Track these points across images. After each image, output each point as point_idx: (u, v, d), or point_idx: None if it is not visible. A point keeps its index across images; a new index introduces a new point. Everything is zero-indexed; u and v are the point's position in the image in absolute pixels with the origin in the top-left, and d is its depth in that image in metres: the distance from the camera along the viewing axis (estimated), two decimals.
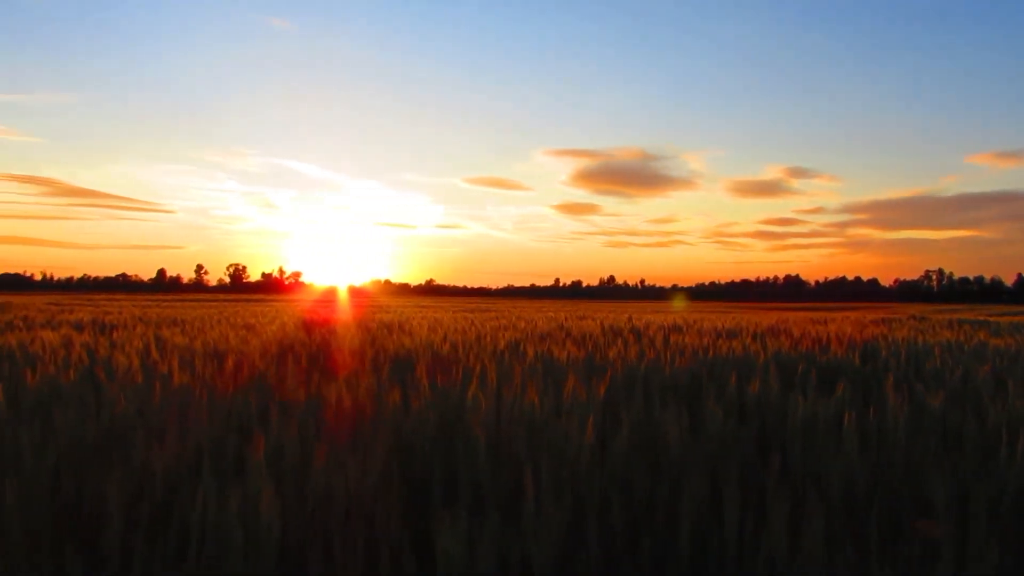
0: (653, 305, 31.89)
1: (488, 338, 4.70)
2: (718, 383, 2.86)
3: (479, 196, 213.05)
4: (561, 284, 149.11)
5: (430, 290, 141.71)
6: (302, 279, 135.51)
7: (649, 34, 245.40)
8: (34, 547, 1.57)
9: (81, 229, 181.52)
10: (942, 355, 3.94)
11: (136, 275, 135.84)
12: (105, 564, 1.54)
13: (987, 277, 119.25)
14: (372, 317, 8.48)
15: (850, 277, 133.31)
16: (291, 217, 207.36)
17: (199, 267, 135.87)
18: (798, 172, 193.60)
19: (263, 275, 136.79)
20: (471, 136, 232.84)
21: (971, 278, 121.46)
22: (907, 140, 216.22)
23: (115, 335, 4.71)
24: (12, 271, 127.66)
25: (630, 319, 8.21)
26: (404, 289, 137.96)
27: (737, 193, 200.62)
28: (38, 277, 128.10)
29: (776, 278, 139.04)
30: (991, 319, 11.32)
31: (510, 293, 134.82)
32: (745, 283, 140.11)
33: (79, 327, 5.92)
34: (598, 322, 7.21)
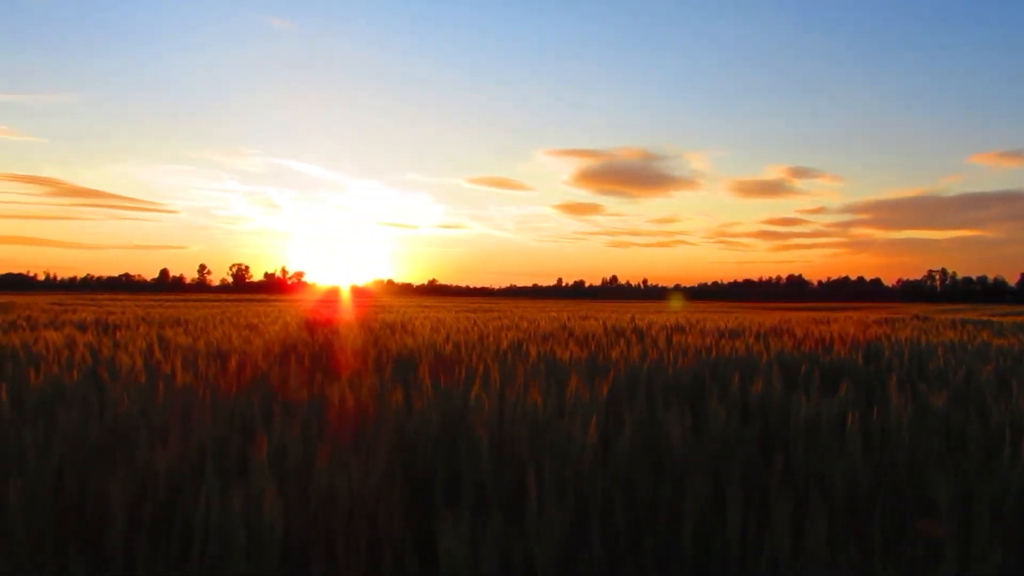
0: (655, 305, 31.87)
1: (491, 338, 4.70)
2: (721, 383, 2.85)
3: (481, 196, 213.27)
4: (563, 284, 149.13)
5: (432, 290, 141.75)
6: (305, 279, 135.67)
7: (651, 34, 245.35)
8: (37, 547, 1.57)
9: (84, 229, 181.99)
10: (945, 355, 3.93)
11: (139, 275, 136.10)
12: (108, 564, 1.54)
13: (990, 277, 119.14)
14: (375, 317, 8.48)
15: (853, 277, 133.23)
16: (293, 217, 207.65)
17: (202, 267, 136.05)
18: (800, 172, 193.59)
19: (266, 275, 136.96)
20: (473, 136, 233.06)
21: (974, 278, 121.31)
22: (910, 140, 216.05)
23: (118, 335, 4.72)
24: (15, 271, 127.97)
25: (633, 319, 8.21)
26: (407, 289, 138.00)
27: (739, 193, 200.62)
28: (41, 277, 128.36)
29: (779, 278, 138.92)
30: (994, 319, 11.30)
31: (512, 293, 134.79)
32: (748, 283, 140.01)
33: (82, 327, 5.92)
34: (601, 322, 7.20)
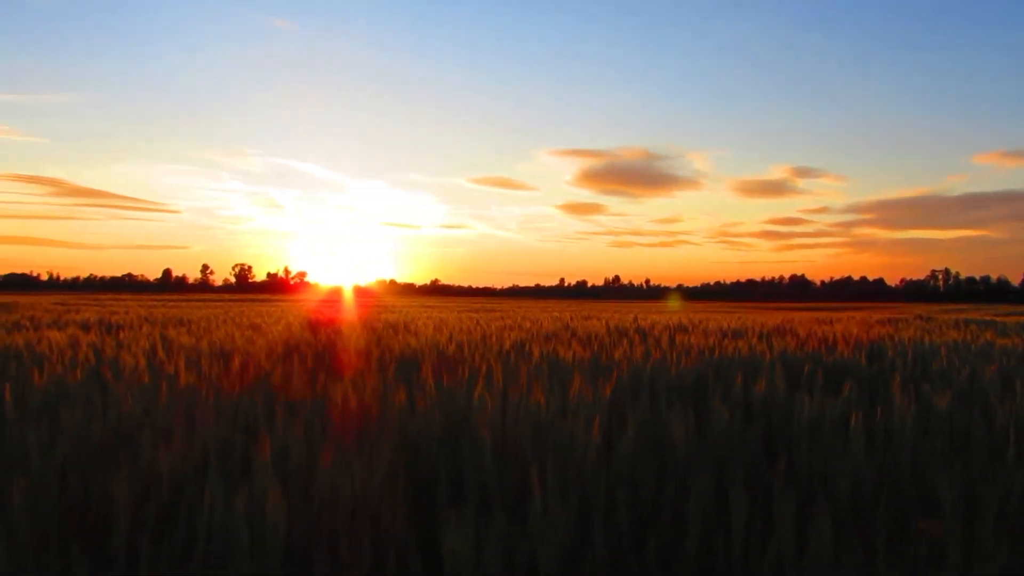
0: (658, 305, 31.85)
1: (493, 338, 4.70)
2: (724, 383, 2.85)
3: (484, 196, 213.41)
4: (566, 284, 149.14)
5: (435, 290, 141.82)
6: (307, 279, 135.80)
7: (653, 34, 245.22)
8: (41, 547, 1.57)
9: (87, 229, 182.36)
10: (949, 355, 3.92)
11: (142, 275, 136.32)
12: (112, 564, 1.54)
13: (993, 277, 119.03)
14: (377, 317, 8.48)
15: (856, 277, 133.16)
16: (295, 217, 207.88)
17: (204, 267, 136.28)
18: (803, 172, 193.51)
19: (268, 275, 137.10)
20: (475, 136, 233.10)
21: (977, 278, 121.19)
22: (913, 139, 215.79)
23: (121, 335, 4.72)
24: (18, 271, 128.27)
25: (635, 319, 8.21)
26: (409, 289, 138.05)
27: (742, 193, 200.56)
28: (44, 277, 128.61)
29: (781, 278, 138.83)
30: (997, 319, 11.28)
31: (515, 293, 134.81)
32: (750, 283, 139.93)
33: (85, 327, 5.93)
34: (603, 322, 7.20)
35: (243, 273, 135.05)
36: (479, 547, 1.45)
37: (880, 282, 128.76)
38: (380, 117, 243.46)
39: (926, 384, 2.72)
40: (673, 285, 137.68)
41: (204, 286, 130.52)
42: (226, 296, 57.34)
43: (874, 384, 3.02)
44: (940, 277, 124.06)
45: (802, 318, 10.22)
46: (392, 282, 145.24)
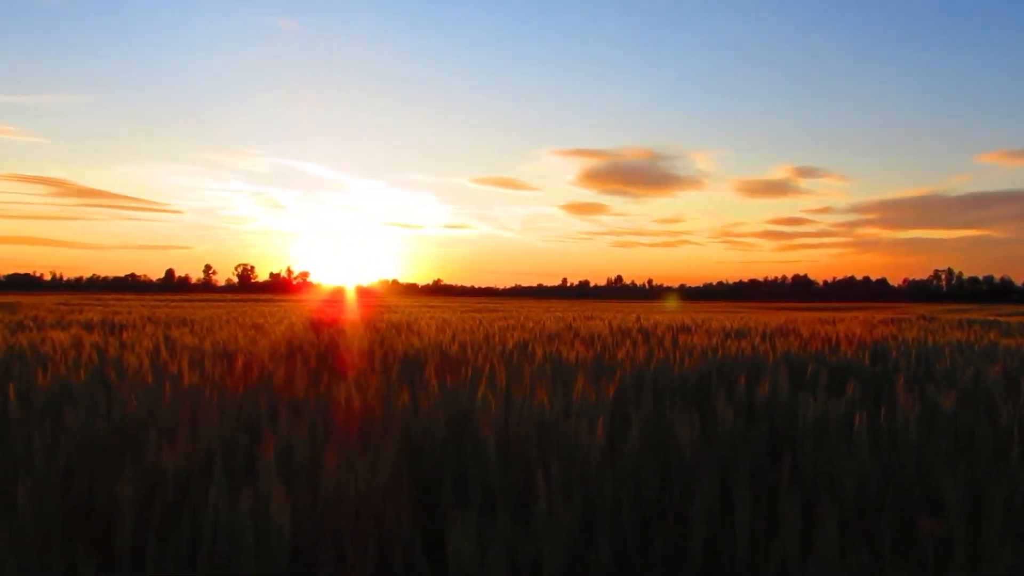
0: (660, 305, 31.84)
1: (496, 338, 4.70)
2: (727, 383, 2.85)
3: (486, 196, 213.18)
4: (568, 284, 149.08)
5: (437, 290, 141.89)
6: (310, 279, 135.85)
7: (656, 33, 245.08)
8: (46, 546, 1.58)
9: (89, 229, 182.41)
10: (952, 355, 3.92)
11: (145, 275, 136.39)
12: (116, 564, 1.54)
13: (997, 277, 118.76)
14: (380, 317, 8.49)
15: (859, 277, 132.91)
16: (298, 217, 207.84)
17: (207, 267, 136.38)
18: (806, 172, 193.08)
19: (271, 275, 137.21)
20: (478, 136, 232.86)
21: (981, 278, 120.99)
22: (916, 139, 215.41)
23: (125, 335, 4.73)
24: (22, 271, 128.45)
25: (638, 319, 8.21)
26: (412, 289, 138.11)
27: (745, 193, 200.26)
28: (47, 277, 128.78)
29: (784, 278, 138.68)
30: (1001, 319, 11.27)
31: (517, 293, 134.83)
32: (753, 283, 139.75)
33: (89, 327, 5.94)
34: (606, 322, 7.20)
35: (246, 273, 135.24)
36: (483, 547, 1.45)
37: (883, 282, 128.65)
38: (383, 117, 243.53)
39: (930, 384, 2.72)
40: (676, 285, 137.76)
41: (207, 286, 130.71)
42: (229, 296, 57.42)
43: (878, 384, 3.02)
44: (943, 277, 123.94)
45: (805, 318, 10.21)
46: (394, 282, 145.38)
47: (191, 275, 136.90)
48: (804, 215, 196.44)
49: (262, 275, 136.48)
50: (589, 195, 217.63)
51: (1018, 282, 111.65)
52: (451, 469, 1.88)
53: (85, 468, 1.75)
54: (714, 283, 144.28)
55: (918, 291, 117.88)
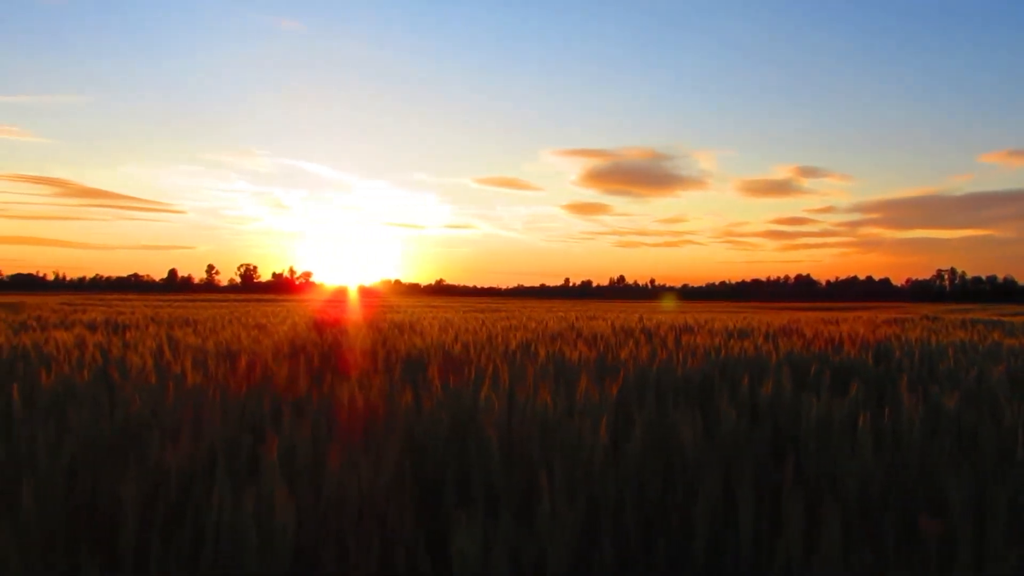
0: (663, 305, 31.81)
1: (499, 338, 4.70)
2: (731, 383, 2.85)
3: (488, 196, 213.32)
4: (571, 284, 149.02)
5: (440, 290, 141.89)
6: (313, 279, 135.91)
7: (659, 33, 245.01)
8: (49, 546, 1.58)
9: (93, 229, 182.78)
10: (956, 355, 3.91)
11: (148, 275, 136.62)
12: (120, 564, 1.55)
13: (1000, 277, 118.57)
14: (383, 317, 8.49)
15: (861, 277, 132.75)
16: (301, 217, 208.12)
17: (210, 267, 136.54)
18: (809, 171, 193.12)
19: (274, 275, 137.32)
20: (480, 136, 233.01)
21: (984, 277, 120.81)
22: (918, 139, 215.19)
23: (128, 335, 4.73)
24: (25, 271, 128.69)
25: (641, 319, 8.20)
26: (414, 289, 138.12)
27: (747, 192, 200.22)
28: (50, 277, 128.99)
29: (787, 278, 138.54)
30: (1005, 319, 11.24)
31: (520, 293, 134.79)
32: (756, 283, 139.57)
33: (92, 327, 5.95)
34: (609, 322, 7.20)
35: (249, 273, 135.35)
36: (487, 547, 1.45)
37: (886, 282, 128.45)
38: (385, 117, 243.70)
39: (934, 384, 2.71)
40: (678, 285, 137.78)
41: (210, 286, 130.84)
42: (232, 296, 57.46)
43: (881, 384, 3.01)
44: (946, 277, 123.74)
45: (808, 318, 10.20)
46: (397, 282, 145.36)
47: (194, 275, 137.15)
48: (807, 215, 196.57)
49: (265, 275, 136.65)
50: (592, 195, 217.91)
51: (1021, 282, 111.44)
52: (454, 469, 1.88)
53: (89, 468, 1.76)
54: (717, 283, 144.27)
55: (921, 291, 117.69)
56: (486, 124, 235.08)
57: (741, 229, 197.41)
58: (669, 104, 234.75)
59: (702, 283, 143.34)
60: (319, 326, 5.80)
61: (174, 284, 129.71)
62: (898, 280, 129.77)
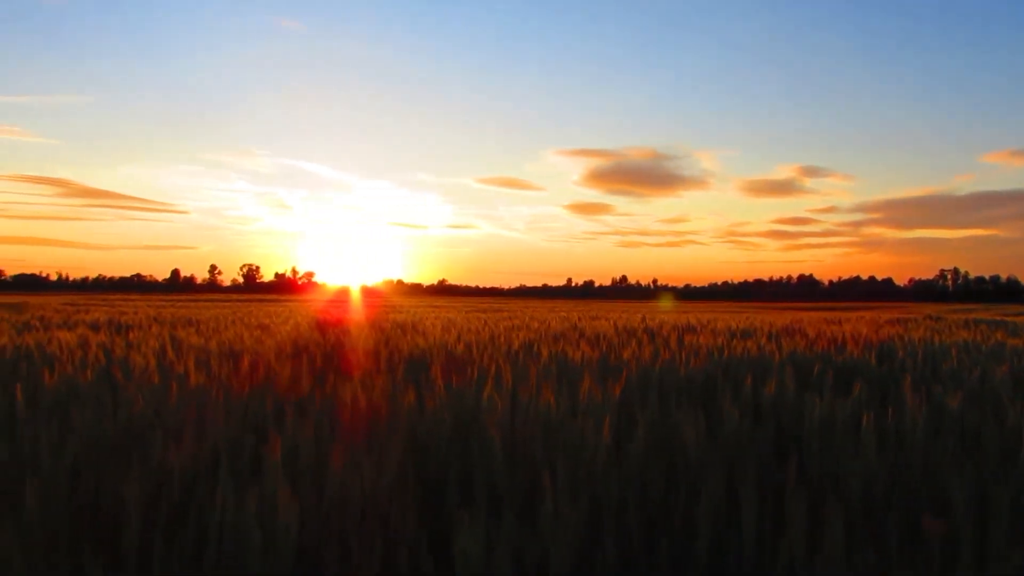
0: (665, 305, 31.79)
1: (502, 338, 4.70)
2: (733, 383, 2.84)
3: (491, 196, 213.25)
4: (573, 284, 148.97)
5: (442, 290, 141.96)
6: (315, 279, 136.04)
7: (661, 33, 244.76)
8: (52, 546, 1.58)
9: (95, 230, 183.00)
10: (959, 355, 3.91)
11: (150, 275, 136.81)
12: (123, 564, 1.55)
13: (1003, 276, 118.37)
14: (385, 317, 8.49)
15: (864, 276, 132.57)
16: (303, 217, 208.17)
17: (213, 267, 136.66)
18: (811, 171, 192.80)
19: (276, 275, 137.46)
20: (482, 136, 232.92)
21: (987, 277, 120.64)
22: (921, 138, 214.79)
23: (131, 335, 4.74)
24: (27, 271, 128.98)
25: (643, 319, 8.20)
26: (416, 289, 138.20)
27: (750, 192, 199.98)
28: (53, 277, 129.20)
29: (789, 278, 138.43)
30: (1008, 319, 11.23)
31: (522, 293, 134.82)
32: (758, 283, 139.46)
33: (95, 327, 5.96)
34: (611, 322, 7.19)
35: (251, 273, 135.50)
36: (490, 548, 1.45)
37: (889, 282, 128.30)
38: (387, 117, 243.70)
39: (937, 384, 2.71)
40: (681, 285, 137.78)
41: (212, 286, 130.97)
42: (234, 296, 57.51)
43: (884, 384, 3.01)
44: (949, 277, 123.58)
45: (811, 318, 10.19)
46: (399, 282, 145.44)
47: (196, 275, 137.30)
48: (809, 215, 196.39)
49: (267, 275, 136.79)
50: (594, 195, 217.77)
51: None
52: (457, 469, 1.88)
53: (92, 468, 1.76)
54: (719, 283, 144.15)
55: (924, 291, 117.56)
56: (488, 124, 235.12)
57: (743, 229, 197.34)
58: (671, 104, 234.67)
59: (704, 283, 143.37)
60: (322, 326, 5.80)
61: (177, 284, 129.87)
62: (901, 280, 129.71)
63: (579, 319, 8.39)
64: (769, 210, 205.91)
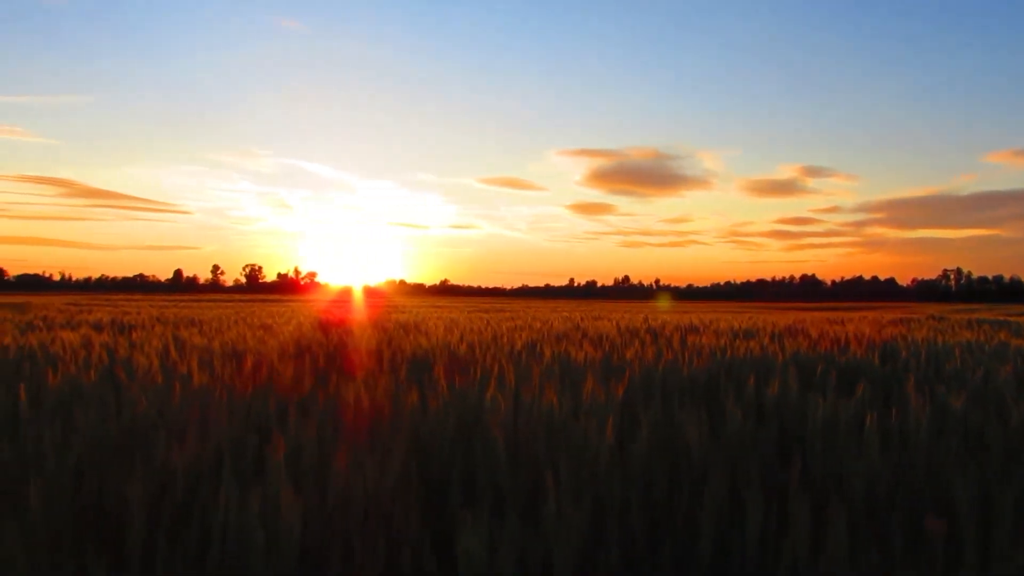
0: (668, 305, 31.76)
1: (504, 338, 4.70)
2: (736, 384, 2.84)
3: (493, 196, 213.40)
4: (575, 284, 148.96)
5: (444, 290, 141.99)
6: (317, 279, 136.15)
7: (663, 33, 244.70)
8: (56, 546, 1.58)
9: (98, 230, 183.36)
10: (962, 355, 3.90)
11: (153, 275, 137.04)
12: (126, 564, 1.55)
13: (1006, 276, 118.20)
14: (388, 317, 8.49)
15: (867, 276, 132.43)
16: (305, 217, 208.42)
17: (215, 267, 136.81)
18: (813, 171, 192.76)
19: (279, 275, 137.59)
20: (485, 136, 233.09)
21: (989, 277, 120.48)
22: (924, 138, 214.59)
23: (134, 335, 4.74)
24: (31, 271, 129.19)
25: (646, 319, 8.19)
26: (419, 289, 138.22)
27: (752, 192, 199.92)
28: (56, 277, 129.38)
29: (792, 278, 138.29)
30: (1011, 319, 11.20)
31: (524, 293, 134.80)
32: (761, 283, 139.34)
33: (98, 327, 5.96)
34: (614, 322, 7.19)
35: (253, 273, 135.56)
36: (493, 548, 1.45)
37: (891, 282, 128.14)
38: (389, 117, 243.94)
39: (940, 385, 2.70)
40: (683, 285, 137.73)
41: (215, 286, 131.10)
42: (237, 296, 57.52)
43: (888, 385, 3.00)
44: (952, 277, 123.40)
45: (814, 318, 10.18)
46: (402, 282, 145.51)
47: (199, 275, 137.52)
48: (812, 215, 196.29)
49: (270, 275, 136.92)
50: (596, 195, 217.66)
51: None
52: (460, 469, 1.88)
53: (95, 468, 1.76)
54: (721, 283, 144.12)
55: (927, 291, 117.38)
56: (489, 124, 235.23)
57: (746, 229, 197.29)
58: (673, 104, 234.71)
59: (707, 283, 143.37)
60: (324, 326, 5.80)
61: (179, 284, 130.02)
62: (903, 280, 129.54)
63: (581, 319, 8.38)
64: (771, 210, 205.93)
